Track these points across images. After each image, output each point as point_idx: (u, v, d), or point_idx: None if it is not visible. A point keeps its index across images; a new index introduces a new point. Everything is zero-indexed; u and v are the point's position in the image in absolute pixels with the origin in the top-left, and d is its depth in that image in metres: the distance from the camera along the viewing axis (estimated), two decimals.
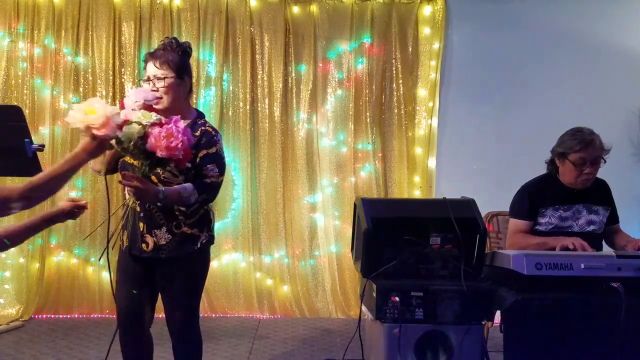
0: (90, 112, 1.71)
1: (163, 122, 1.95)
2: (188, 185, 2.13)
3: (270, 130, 4.21)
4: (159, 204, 2.15)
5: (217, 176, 2.22)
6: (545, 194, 2.70)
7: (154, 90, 2.15)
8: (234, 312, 4.24)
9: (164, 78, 2.17)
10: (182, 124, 2.01)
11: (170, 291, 2.25)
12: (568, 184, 2.68)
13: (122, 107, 2.01)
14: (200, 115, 2.34)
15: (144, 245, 2.19)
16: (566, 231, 2.64)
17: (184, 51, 2.26)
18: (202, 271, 2.35)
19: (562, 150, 2.66)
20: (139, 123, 1.90)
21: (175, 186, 2.12)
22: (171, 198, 2.09)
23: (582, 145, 2.62)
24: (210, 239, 2.33)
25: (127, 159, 2.19)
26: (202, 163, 2.19)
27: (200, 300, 2.38)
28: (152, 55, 2.22)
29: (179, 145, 1.92)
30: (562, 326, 2.11)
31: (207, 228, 2.30)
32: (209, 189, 2.20)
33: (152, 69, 2.18)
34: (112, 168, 2.25)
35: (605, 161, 2.66)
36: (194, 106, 4.14)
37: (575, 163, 2.62)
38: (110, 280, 2.19)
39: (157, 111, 2.16)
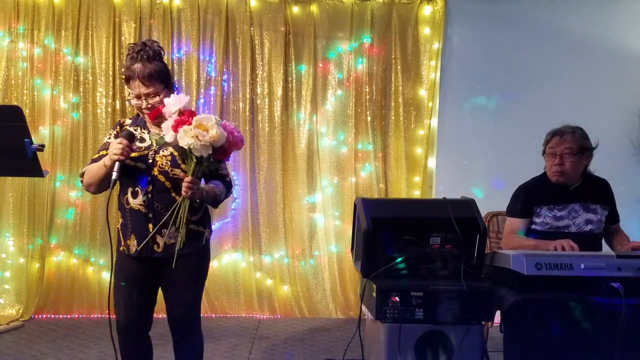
0: (203, 129, 1.97)
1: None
2: (219, 183, 2.26)
3: (270, 130, 4.21)
4: (197, 201, 2.21)
5: (229, 173, 2.35)
6: (540, 193, 2.70)
7: (148, 108, 2.19)
8: (234, 312, 4.24)
9: (155, 94, 2.19)
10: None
11: (176, 288, 2.25)
12: (550, 179, 2.69)
13: (159, 113, 2.13)
14: None
15: (155, 246, 2.19)
16: (563, 232, 2.63)
17: (159, 55, 2.23)
18: (206, 266, 2.38)
19: (543, 147, 2.72)
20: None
21: (211, 185, 2.22)
22: (210, 196, 2.21)
23: (550, 136, 2.67)
24: (210, 234, 2.38)
25: (128, 162, 2.18)
26: None
27: (202, 297, 2.40)
28: (133, 72, 2.16)
29: (242, 136, 2.14)
30: (562, 326, 2.11)
31: (209, 224, 2.36)
32: (231, 186, 2.35)
33: (141, 88, 2.17)
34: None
35: (587, 157, 2.67)
36: (194, 106, 4.18)
37: (547, 155, 2.67)
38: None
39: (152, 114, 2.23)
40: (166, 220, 2.14)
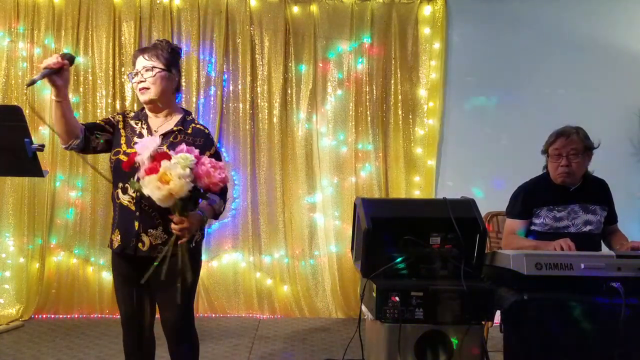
0: (166, 180, 1.89)
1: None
2: (215, 197, 2.18)
3: (270, 130, 4.21)
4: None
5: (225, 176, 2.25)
6: (539, 194, 2.70)
7: (142, 81, 2.19)
8: (234, 312, 4.24)
9: (152, 68, 2.19)
10: (195, 151, 2.04)
11: (166, 290, 2.22)
12: (554, 180, 2.69)
13: (132, 162, 2.02)
14: (188, 112, 2.35)
15: (139, 244, 2.17)
16: (562, 232, 2.62)
17: (173, 49, 2.29)
18: (196, 269, 2.33)
19: (544, 147, 2.71)
20: (187, 170, 1.94)
21: (208, 203, 2.16)
22: (210, 216, 2.19)
23: (555, 137, 2.66)
24: (202, 237, 2.34)
25: (122, 157, 2.16)
26: None
27: (194, 299, 2.37)
28: (141, 50, 2.26)
29: (225, 173, 2.04)
30: (562, 326, 2.11)
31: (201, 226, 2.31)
32: (226, 192, 2.27)
33: (141, 62, 2.21)
34: (83, 146, 2.18)
35: (589, 157, 2.67)
36: (194, 106, 4.17)
37: (552, 156, 2.66)
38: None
39: (147, 102, 2.22)
40: (152, 220, 2.13)
